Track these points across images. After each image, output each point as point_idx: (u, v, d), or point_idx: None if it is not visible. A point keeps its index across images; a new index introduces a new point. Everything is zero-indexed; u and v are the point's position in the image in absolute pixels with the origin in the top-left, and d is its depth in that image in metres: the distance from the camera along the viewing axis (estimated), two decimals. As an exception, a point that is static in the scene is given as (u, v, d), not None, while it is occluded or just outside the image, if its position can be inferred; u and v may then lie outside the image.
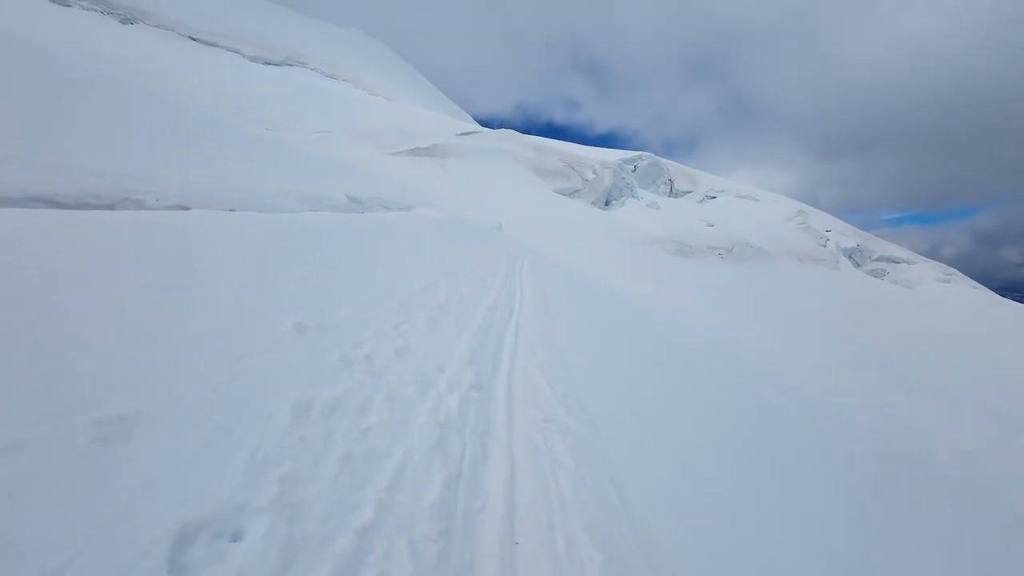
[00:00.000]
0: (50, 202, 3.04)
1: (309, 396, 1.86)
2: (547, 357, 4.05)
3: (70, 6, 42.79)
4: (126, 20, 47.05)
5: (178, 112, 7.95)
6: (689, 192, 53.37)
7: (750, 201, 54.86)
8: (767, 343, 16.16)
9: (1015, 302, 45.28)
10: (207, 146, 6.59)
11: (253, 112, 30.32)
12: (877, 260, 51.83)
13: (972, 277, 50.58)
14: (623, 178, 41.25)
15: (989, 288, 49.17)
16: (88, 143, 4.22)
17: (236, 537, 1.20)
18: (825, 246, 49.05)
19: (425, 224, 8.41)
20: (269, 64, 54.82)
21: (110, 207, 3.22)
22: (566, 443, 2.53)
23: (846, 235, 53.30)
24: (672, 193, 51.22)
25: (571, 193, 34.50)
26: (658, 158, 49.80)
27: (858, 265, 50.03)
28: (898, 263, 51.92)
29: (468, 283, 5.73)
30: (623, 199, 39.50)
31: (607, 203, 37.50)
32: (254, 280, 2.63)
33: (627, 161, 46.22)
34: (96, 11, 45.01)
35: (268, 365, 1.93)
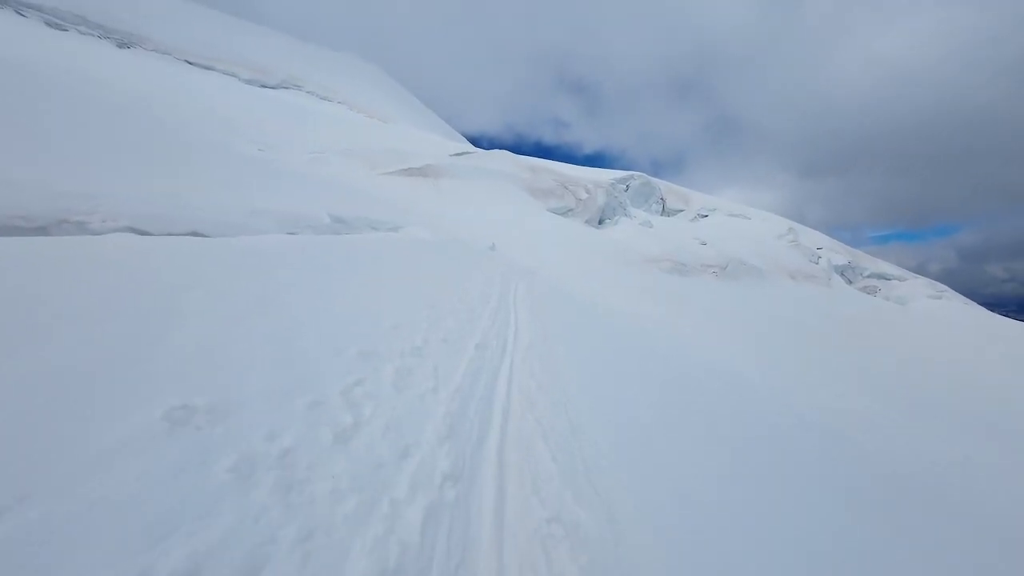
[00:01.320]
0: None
1: (137, 570, 1.03)
2: (548, 409, 3.33)
3: (66, 30, 42.79)
4: (123, 44, 47.21)
5: (151, 127, 7.36)
6: (681, 211, 53.67)
7: (741, 219, 55.28)
8: (767, 363, 15.71)
9: (1003, 317, 45.46)
10: (178, 162, 6.09)
11: (246, 133, 30.02)
12: (868, 277, 52.04)
13: (960, 293, 50.88)
14: (616, 197, 41.33)
15: (978, 303, 49.38)
16: (30, 157, 3.52)
17: None
18: (817, 263, 49.20)
19: (412, 246, 7.79)
20: (265, 87, 55.09)
21: (42, 230, 2.73)
22: (579, 561, 1.79)
23: (837, 252, 53.68)
24: (664, 212, 51.45)
25: (565, 212, 34.31)
26: (650, 177, 50.24)
27: (850, 282, 50.15)
28: (889, 280, 52.18)
29: (455, 314, 5.04)
30: (616, 218, 39.42)
31: (600, 222, 37.36)
32: (134, 335, 1.87)
33: (620, 181, 46.48)
34: (93, 35, 45.07)
35: (71, 512, 1.07)
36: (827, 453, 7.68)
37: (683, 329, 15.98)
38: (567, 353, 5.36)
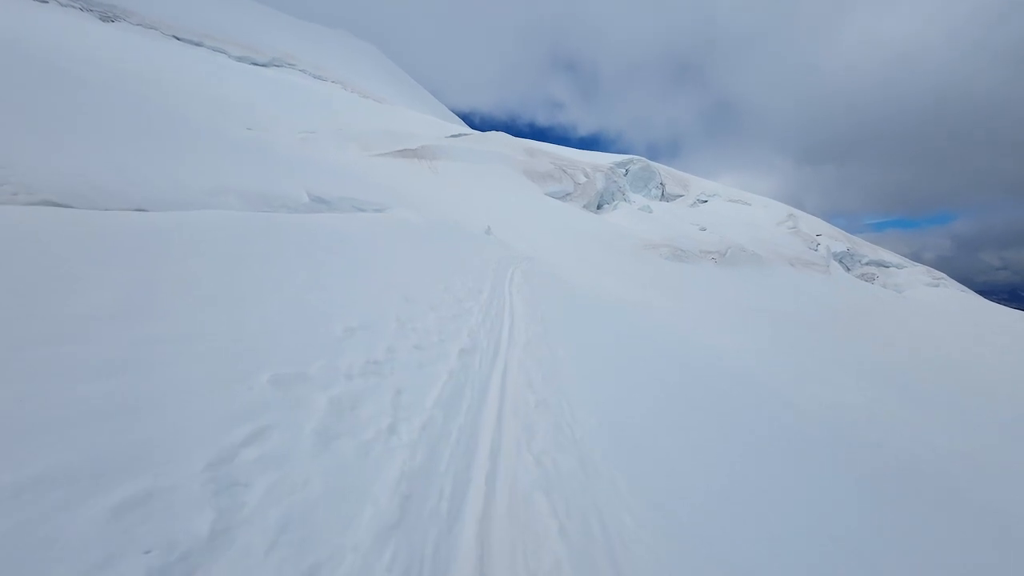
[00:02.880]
0: None
1: None
2: (551, 438, 2.60)
3: (46, 2, 40.28)
4: (106, 18, 45.01)
5: (128, 102, 6.58)
6: (680, 196, 52.72)
7: (741, 205, 54.40)
8: (769, 356, 15.32)
9: (996, 304, 45.37)
10: (144, 137, 5.23)
11: (235, 111, 28.66)
12: (867, 264, 51.59)
13: (955, 280, 50.64)
14: (615, 181, 40.27)
15: (972, 291, 49.20)
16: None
17: None
18: (816, 250, 48.57)
19: (396, 228, 7.09)
20: (255, 65, 52.89)
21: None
22: None
23: (836, 239, 53.07)
24: (664, 197, 50.43)
25: (563, 196, 33.34)
26: (649, 162, 49.05)
27: (848, 269, 49.66)
28: (887, 267, 51.81)
29: (437, 310, 4.26)
30: (615, 203, 38.45)
31: (599, 206, 36.42)
32: None
33: (619, 164, 45.39)
34: (74, 8, 42.71)
35: None
36: (835, 449, 7.45)
37: (685, 320, 15.50)
38: (568, 354, 4.66)
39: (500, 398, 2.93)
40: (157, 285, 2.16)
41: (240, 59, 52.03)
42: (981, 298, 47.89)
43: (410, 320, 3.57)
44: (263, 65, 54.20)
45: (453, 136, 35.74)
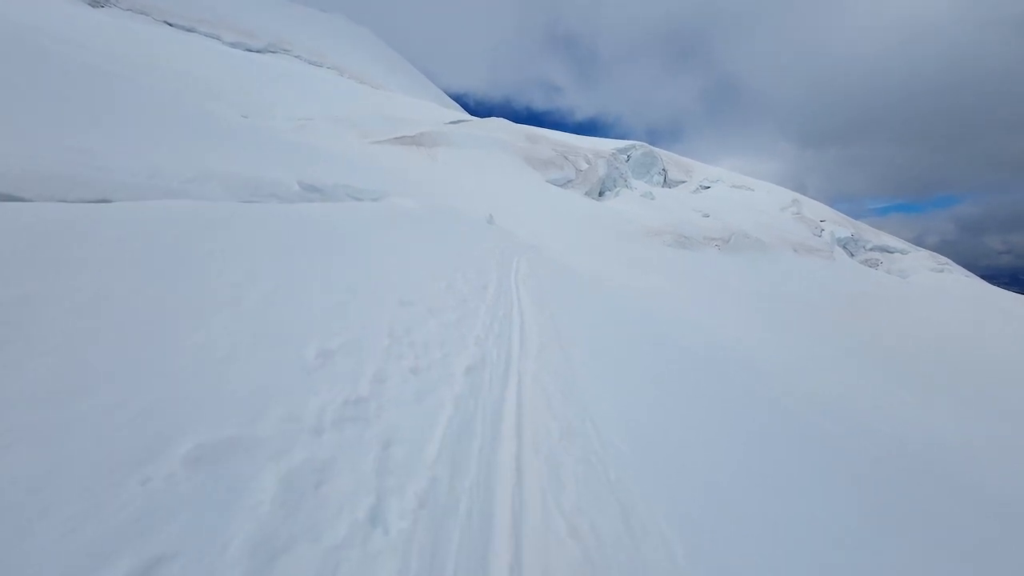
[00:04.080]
0: None
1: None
2: (583, 484, 2.16)
3: None
4: (96, 3, 44.14)
5: (98, 84, 6.38)
6: (683, 182, 52.28)
7: (745, 191, 53.93)
8: (773, 342, 15.32)
9: (1000, 289, 45.15)
10: (115, 122, 4.94)
11: (229, 98, 28.19)
12: (871, 250, 51.32)
13: (959, 265, 50.36)
14: (617, 168, 39.86)
15: (976, 275, 48.96)
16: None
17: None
18: (820, 236, 48.26)
19: (392, 218, 6.88)
20: (250, 51, 52.16)
21: None
22: None
23: (840, 224, 52.69)
24: (666, 183, 49.97)
25: (565, 183, 33.07)
26: (651, 147, 48.48)
27: (852, 255, 49.36)
28: (891, 252, 51.53)
29: (438, 314, 3.71)
30: (617, 189, 38.12)
31: (601, 193, 36.12)
32: None
33: (621, 151, 44.90)
34: (63, -7, 41.77)
35: None
36: (839, 439, 7.33)
37: (689, 308, 15.42)
38: (582, 355, 4.29)
39: (517, 431, 2.46)
40: (35, 306, 1.48)
41: (234, 45, 51.32)
42: (986, 283, 47.62)
43: (406, 332, 3.00)
44: (258, 51, 53.45)
45: (452, 122, 35.32)
